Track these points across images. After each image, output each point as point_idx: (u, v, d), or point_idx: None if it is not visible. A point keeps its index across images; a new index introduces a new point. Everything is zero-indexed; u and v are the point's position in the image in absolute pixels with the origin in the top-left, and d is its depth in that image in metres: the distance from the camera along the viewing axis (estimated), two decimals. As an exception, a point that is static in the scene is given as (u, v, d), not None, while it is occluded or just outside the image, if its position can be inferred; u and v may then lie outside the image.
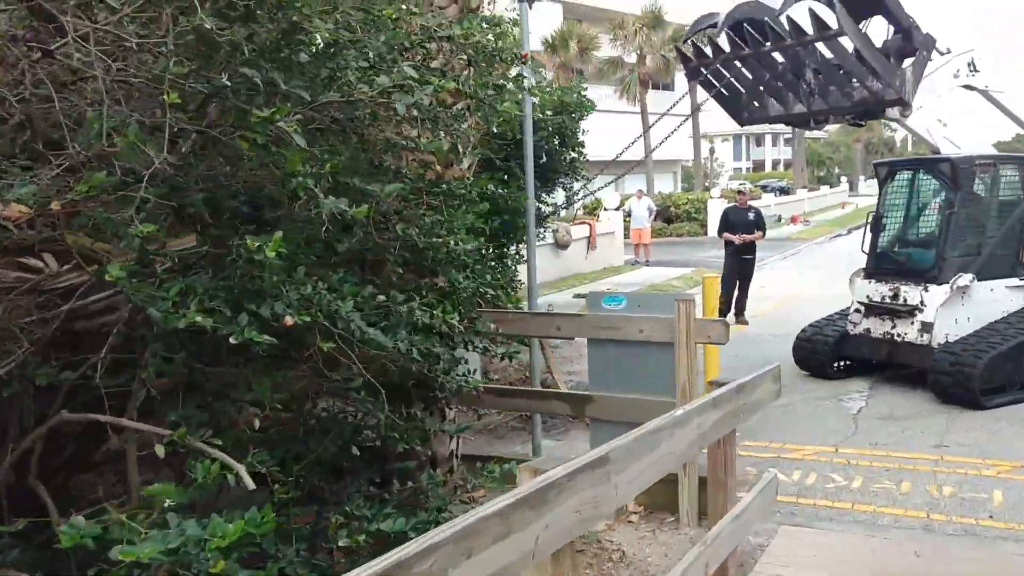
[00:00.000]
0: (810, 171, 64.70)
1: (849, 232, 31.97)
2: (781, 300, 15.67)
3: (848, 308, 10.17)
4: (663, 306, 5.37)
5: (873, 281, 9.38)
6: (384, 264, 4.19)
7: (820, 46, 8.07)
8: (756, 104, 9.75)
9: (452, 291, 4.24)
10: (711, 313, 7.43)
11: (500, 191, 5.52)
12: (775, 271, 20.42)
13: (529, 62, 6.56)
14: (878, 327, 9.21)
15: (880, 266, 9.57)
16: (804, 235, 30.39)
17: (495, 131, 9.88)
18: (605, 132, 28.05)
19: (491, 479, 4.56)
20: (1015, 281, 9.20)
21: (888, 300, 9.08)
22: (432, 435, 5.11)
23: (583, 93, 11.21)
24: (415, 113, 3.88)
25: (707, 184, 41.72)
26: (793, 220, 35.33)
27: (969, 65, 8.45)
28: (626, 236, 22.73)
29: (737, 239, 13.01)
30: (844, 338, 9.56)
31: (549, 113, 10.73)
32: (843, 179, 62.11)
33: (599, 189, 11.57)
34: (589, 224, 20.75)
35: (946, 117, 9.08)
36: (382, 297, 3.63)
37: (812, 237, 29.57)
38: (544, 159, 10.82)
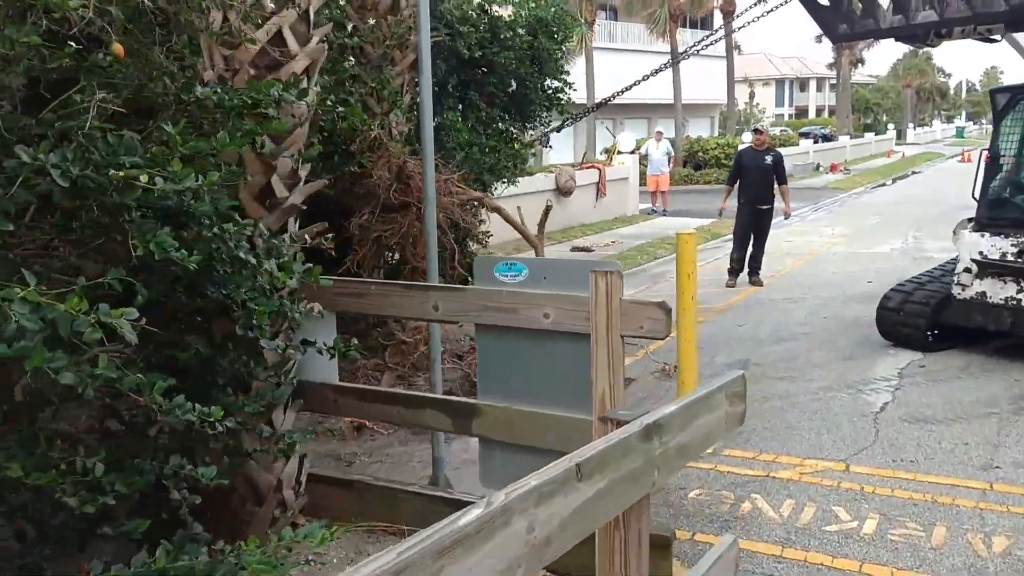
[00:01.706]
0: (856, 118, 61.53)
1: (894, 182, 29.59)
2: (805, 258, 13.73)
3: (935, 268, 8.64)
4: (581, 278, 3.61)
5: (988, 235, 7.50)
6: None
7: None
8: (862, 12, 7.80)
9: (161, 263, 2.49)
10: (684, 283, 5.65)
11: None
12: (803, 224, 18.38)
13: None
14: (998, 291, 7.33)
15: (997, 216, 7.67)
16: (842, 184, 28.06)
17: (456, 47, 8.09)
18: (636, 73, 26.02)
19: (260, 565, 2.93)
20: None
21: (1013, 258, 7.25)
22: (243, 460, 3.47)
23: (564, 7, 9.26)
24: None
25: (738, 128, 39.20)
26: (832, 168, 32.91)
27: None
28: (642, 183, 20.77)
29: (723, 204, 11.57)
30: (946, 303, 7.75)
31: (521, 32, 8.85)
32: (891, 127, 58.78)
33: (554, 129, 9.69)
34: (599, 168, 18.82)
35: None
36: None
37: (851, 187, 27.25)
38: (514, 87, 8.98)
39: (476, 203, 8.09)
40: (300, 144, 3.77)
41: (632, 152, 20.89)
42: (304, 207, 3.86)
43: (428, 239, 4.73)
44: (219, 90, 2.80)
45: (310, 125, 3.90)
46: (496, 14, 8.61)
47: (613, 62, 32.98)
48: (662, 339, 3.51)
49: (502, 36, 8.50)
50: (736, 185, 11.54)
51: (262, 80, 3.70)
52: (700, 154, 28.95)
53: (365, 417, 4.46)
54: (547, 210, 9.02)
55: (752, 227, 11.31)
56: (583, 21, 29.92)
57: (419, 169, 7.22)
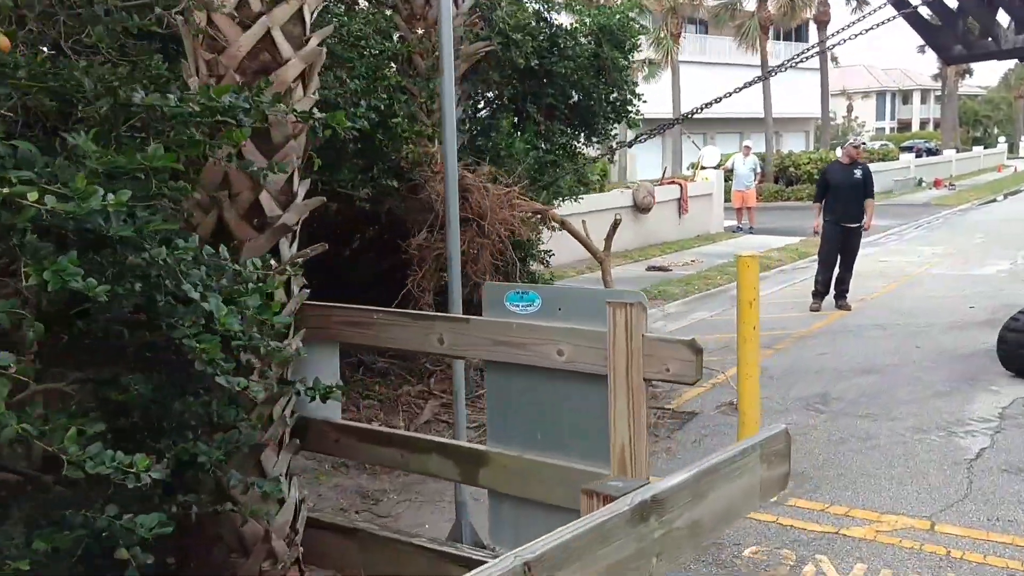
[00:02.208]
0: (963, 131, 58.61)
1: (1005, 198, 27.81)
2: (899, 280, 12.77)
3: None
4: (601, 310, 3.12)
5: None
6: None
7: None
8: (980, 32, 7.09)
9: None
10: (744, 311, 5.05)
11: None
12: (900, 243, 17.25)
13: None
14: None
15: None
16: (947, 200, 26.49)
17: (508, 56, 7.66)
18: (725, 87, 25.25)
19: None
20: None
21: None
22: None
23: (630, 15, 8.78)
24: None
25: (832, 142, 37.66)
26: (936, 184, 31.19)
27: None
28: (728, 199, 19.95)
29: (816, 223, 10.76)
30: None
31: (584, 41, 8.41)
32: (1002, 140, 55.68)
33: (626, 144, 9.06)
34: (680, 184, 18.13)
35: None
36: None
37: (956, 203, 25.67)
38: (576, 98, 8.52)
39: (539, 217, 7.68)
40: (293, 157, 3.41)
41: (717, 167, 20.11)
42: (295, 227, 3.49)
43: (451, 260, 4.31)
44: (168, 95, 2.45)
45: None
46: (556, 22, 8.18)
47: (701, 76, 32.15)
48: (691, 384, 2.98)
49: (562, 45, 8.06)
50: (823, 202, 10.78)
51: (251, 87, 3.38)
52: (791, 169, 27.82)
53: (366, 460, 4.04)
54: (615, 224, 8.51)
55: (840, 246, 10.52)
56: (668, 34, 29.31)
57: (478, 183, 6.89)
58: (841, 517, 4.73)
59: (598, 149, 9.51)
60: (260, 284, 2.89)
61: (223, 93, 2.59)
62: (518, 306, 3.29)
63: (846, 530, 4.57)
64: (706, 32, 39.05)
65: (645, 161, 30.60)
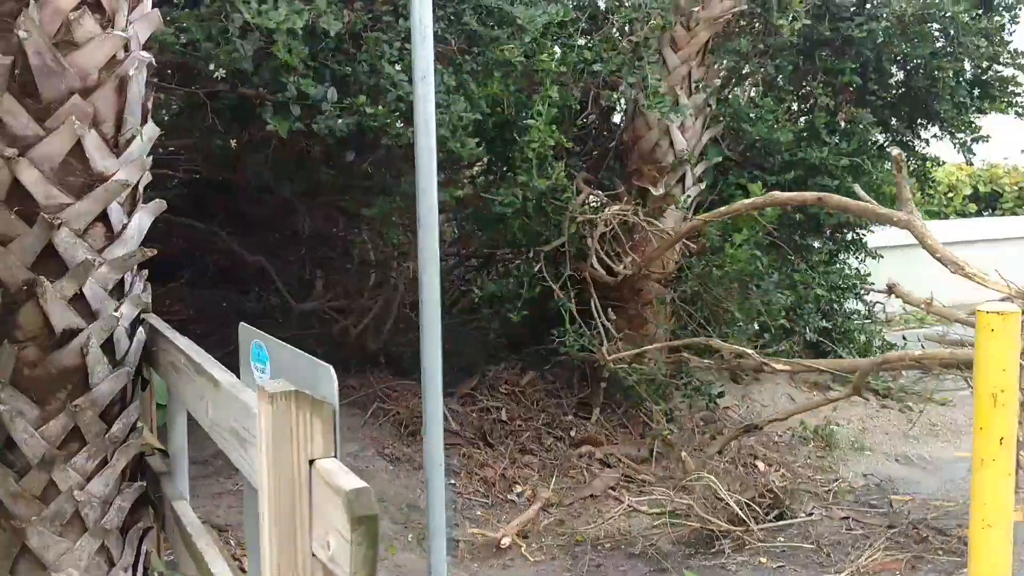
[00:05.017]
0: None
1: None
2: None
3: None
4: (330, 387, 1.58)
5: None
6: None
7: None
8: None
9: None
10: (984, 412, 2.72)
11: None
12: None
13: None
14: None
15: None
16: None
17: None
18: None
19: None
20: None
21: None
22: None
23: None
24: None
25: None
26: None
27: None
28: None
29: None
30: None
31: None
32: None
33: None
34: None
35: None
36: None
37: None
38: (900, 75, 6.16)
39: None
40: (74, 121, 2.40)
41: None
42: (98, 220, 2.50)
43: (423, 290, 2.91)
44: None
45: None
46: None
47: None
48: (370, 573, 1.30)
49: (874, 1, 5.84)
50: None
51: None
52: None
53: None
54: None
55: None
56: None
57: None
58: None
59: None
60: None
61: None
62: (258, 369, 1.90)
63: None
64: None
65: None
